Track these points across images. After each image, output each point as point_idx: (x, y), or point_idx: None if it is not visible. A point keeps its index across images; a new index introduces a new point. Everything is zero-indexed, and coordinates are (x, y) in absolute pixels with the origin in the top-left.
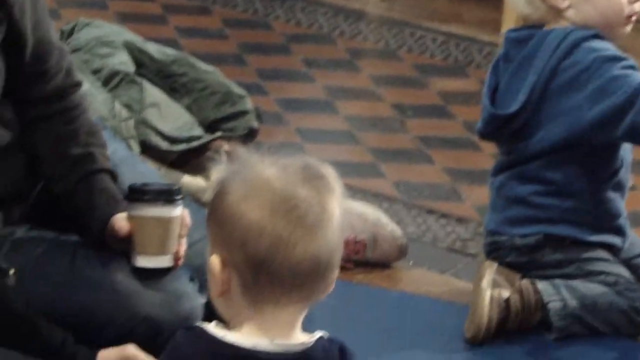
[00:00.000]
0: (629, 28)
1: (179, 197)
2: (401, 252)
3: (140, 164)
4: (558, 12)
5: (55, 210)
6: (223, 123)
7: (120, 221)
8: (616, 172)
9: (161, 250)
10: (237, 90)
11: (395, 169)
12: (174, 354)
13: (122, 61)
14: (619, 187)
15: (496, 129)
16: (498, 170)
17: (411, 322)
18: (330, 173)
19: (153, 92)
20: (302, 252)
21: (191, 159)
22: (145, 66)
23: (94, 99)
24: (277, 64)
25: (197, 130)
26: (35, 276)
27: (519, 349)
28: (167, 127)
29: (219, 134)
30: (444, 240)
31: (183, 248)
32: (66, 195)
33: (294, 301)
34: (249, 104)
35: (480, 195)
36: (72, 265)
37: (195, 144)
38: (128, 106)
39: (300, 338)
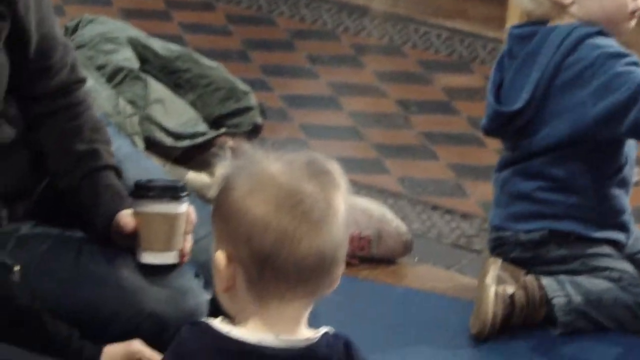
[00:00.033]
0: (632, 24)
1: (184, 193)
2: (406, 248)
3: (145, 160)
4: (562, 8)
5: (60, 206)
6: (227, 119)
7: (126, 217)
8: (620, 168)
9: (167, 247)
10: (242, 86)
11: (399, 165)
12: (179, 350)
13: (127, 57)
14: (624, 184)
15: (500, 125)
16: (502, 166)
17: (416, 318)
18: (335, 168)
19: (157, 88)
20: (307, 248)
21: (196, 155)
22: (150, 62)
23: (98, 95)
24: (281, 60)
25: (202, 127)
26: (40, 272)
27: (524, 345)
28: (171, 123)
29: (223, 130)
30: (449, 236)
31: (189, 244)
32: (71, 192)
33: (299, 296)
34: (253, 100)
35: (484, 191)
36: (77, 262)
37: (199, 140)
38: (132, 102)
39: (306, 333)
